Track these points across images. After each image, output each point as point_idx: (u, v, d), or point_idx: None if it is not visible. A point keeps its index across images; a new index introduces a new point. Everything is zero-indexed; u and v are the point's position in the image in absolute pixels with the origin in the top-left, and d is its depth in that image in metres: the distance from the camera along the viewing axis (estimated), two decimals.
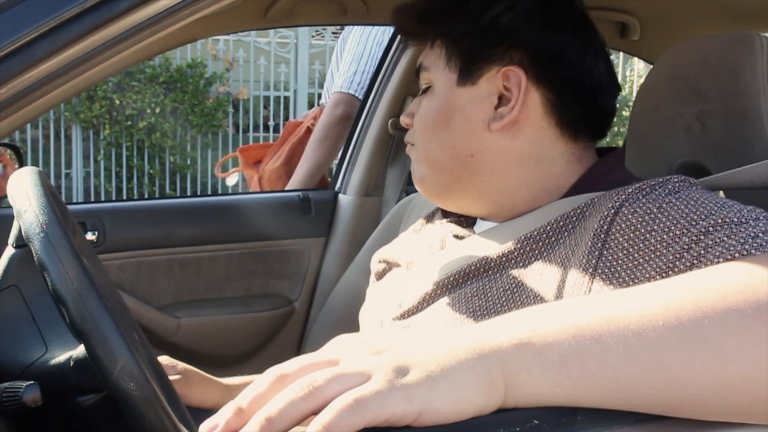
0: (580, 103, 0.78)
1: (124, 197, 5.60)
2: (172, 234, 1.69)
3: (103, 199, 5.62)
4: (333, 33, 6.17)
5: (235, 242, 1.71)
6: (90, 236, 1.59)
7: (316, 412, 0.41)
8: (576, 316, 0.47)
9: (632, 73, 5.89)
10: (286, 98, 6.23)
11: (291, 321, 1.76)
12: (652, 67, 1.03)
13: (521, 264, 0.71)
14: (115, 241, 1.61)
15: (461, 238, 0.83)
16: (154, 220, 1.70)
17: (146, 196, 5.66)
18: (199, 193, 5.79)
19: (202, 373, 0.98)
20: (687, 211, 0.61)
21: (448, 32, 0.81)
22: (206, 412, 0.45)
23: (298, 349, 1.81)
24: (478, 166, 0.79)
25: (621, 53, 4.63)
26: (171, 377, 0.89)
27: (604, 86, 0.78)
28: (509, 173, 0.78)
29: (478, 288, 0.72)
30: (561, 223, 0.71)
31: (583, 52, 0.76)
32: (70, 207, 1.81)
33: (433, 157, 0.82)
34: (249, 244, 1.72)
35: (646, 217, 0.62)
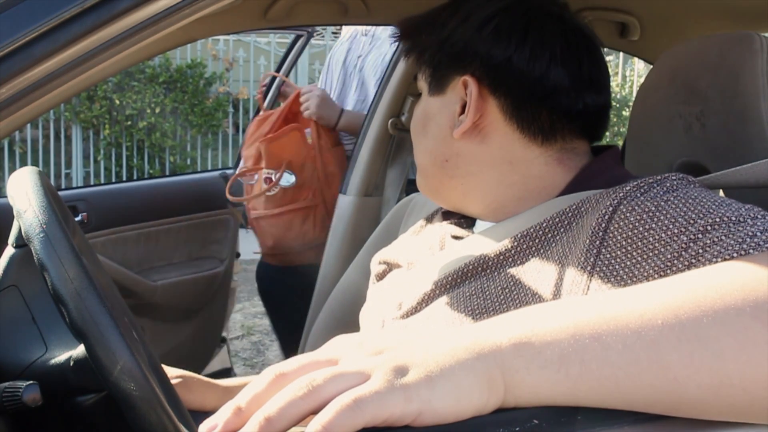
0: (538, 108, 0.78)
1: None
2: (137, 212, 2.03)
3: None
4: (333, 33, 6.17)
5: (180, 215, 2.11)
6: (80, 218, 1.87)
7: (315, 412, 0.41)
8: (575, 315, 0.47)
9: (632, 73, 5.89)
10: None
11: (223, 277, 2.23)
12: (651, 67, 1.03)
13: (518, 262, 0.71)
14: (98, 221, 1.93)
15: (460, 238, 0.84)
16: (124, 201, 2.04)
17: None
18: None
19: (201, 377, 0.99)
20: (685, 209, 0.60)
21: (418, 45, 0.86)
22: (206, 415, 0.45)
23: (302, 348, 1.99)
24: (453, 170, 0.82)
25: (621, 53, 4.63)
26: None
27: (562, 90, 0.77)
28: (485, 176, 0.81)
29: (477, 287, 0.72)
30: (557, 220, 0.71)
31: (532, 59, 0.77)
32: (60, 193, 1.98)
33: (419, 162, 0.87)
34: (190, 216, 2.14)
35: (644, 216, 0.62)
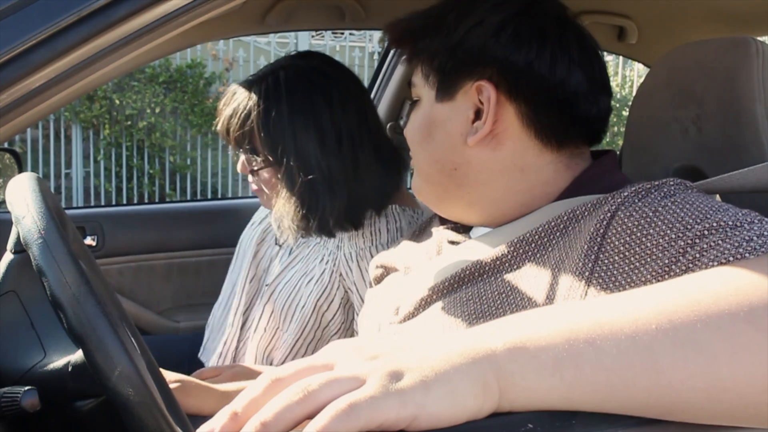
0: (557, 113, 0.77)
1: (124, 197, 5.61)
2: (170, 238, 1.68)
3: (103, 199, 5.63)
4: (333, 33, 6.17)
5: (234, 246, 1.55)
6: (89, 241, 1.59)
7: (310, 417, 0.41)
8: (569, 320, 0.47)
9: (632, 73, 5.88)
10: None
11: None
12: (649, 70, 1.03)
13: (515, 267, 0.71)
14: (114, 245, 1.62)
15: (456, 243, 0.83)
16: (152, 224, 1.69)
17: (146, 196, 5.67)
18: (199, 193, 5.79)
19: (199, 381, 0.99)
20: (683, 214, 0.60)
21: (423, 50, 0.82)
22: (204, 419, 0.45)
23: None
24: (462, 178, 0.80)
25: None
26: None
27: (581, 94, 0.77)
28: (494, 184, 0.79)
29: (473, 292, 0.72)
30: (553, 225, 0.71)
31: (553, 63, 0.76)
32: (68, 212, 1.82)
33: (423, 170, 0.84)
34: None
35: (642, 221, 0.62)
